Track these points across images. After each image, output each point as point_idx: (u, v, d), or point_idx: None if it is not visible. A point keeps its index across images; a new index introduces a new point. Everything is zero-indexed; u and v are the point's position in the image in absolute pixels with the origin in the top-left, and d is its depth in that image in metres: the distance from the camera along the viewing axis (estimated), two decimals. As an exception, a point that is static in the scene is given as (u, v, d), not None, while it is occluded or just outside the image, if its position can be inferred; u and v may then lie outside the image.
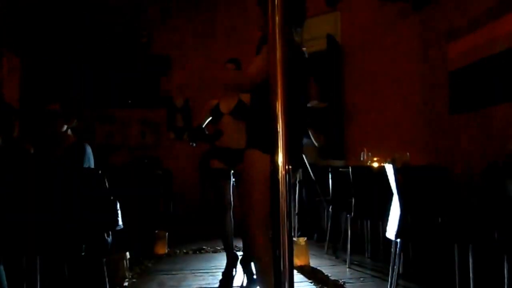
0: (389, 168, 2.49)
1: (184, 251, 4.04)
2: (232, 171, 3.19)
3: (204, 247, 4.15)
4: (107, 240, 2.41)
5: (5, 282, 1.96)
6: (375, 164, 3.58)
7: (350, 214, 3.44)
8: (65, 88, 5.03)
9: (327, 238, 4.00)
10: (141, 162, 4.89)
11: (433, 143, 4.24)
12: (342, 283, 2.90)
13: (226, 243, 3.21)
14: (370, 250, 3.75)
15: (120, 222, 2.50)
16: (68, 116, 2.49)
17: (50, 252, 2.27)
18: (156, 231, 3.94)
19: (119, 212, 2.52)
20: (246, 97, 3.21)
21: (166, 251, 3.92)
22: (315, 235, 4.57)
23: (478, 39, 3.74)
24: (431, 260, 2.98)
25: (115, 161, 4.90)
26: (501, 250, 2.24)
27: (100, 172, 2.51)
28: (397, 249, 2.40)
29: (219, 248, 4.09)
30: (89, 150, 2.53)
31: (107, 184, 2.54)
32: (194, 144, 3.40)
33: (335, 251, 3.87)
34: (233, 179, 3.21)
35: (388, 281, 2.60)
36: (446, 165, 3.90)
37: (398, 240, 2.37)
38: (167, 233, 3.95)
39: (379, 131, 4.65)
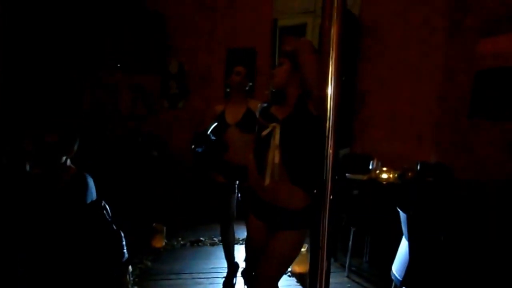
0: (402, 215, 2.60)
1: (182, 242, 4.24)
2: (237, 184, 3.27)
3: (201, 238, 4.35)
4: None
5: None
6: (384, 176, 3.68)
7: (353, 227, 3.61)
8: (50, 54, 4.79)
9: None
10: (135, 141, 4.86)
11: (446, 145, 4.30)
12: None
13: (228, 253, 3.39)
14: (368, 253, 3.99)
15: (126, 254, 2.62)
16: (67, 147, 2.46)
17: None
18: (154, 224, 4.09)
19: (124, 242, 2.62)
20: (254, 106, 3.17)
21: (164, 243, 4.11)
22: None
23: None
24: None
25: (108, 135, 4.89)
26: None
27: (103, 203, 2.56)
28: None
29: (216, 239, 4.31)
30: (91, 182, 2.54)
31: (110, 213, 2.61)
32: (200, 150, 3.42)
33: (334, 252, 4.11)
34: (238, 193, 3.30)
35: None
36: (457, 170, 3.99)
37: (404, 288, 2.56)
38: (165, 228, 4.11)
39: (391, 121, 4.67)
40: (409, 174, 3.70)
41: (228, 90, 3.26)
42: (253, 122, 3.14)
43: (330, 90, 0.97)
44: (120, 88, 5.37)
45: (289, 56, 2.01)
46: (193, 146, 3.38)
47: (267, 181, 2.03)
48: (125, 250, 2.61)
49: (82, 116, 5.02)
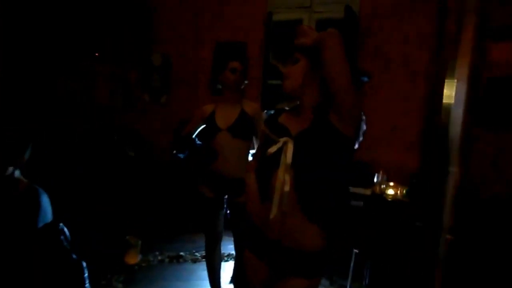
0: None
1: (159, 258, 3.73)
2: (226, 198, 2.78)
3: (182, 253, 3.85)
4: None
5: None
6: (390, 191, 3.25)
7: (356, 248, 3.18)
8: (25, 39, 4.20)
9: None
10: (110, 138, 4.28)
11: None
12: None
13: (212, 278, 2.91)
14: (368, 276, 3.58)
15: (88, 285, 2.11)
16: (15, 156, 1.93)
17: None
18: (127, 237, 3.56)
19: (86, 275, 2.11)
20: (250, 108, 2.69)
21: (138, 260, 3.59)
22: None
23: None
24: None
25: (77, 130, 4.32)
26: None
27: (60, 226, 2.05)
28: None
29: (198, 255, 3.82)
30: (45, 199, 2.02)
31: (68, 237, 2.10)
32: (182, 156, 2.91)
33: (331, 275, 3.67)
34: (226, 208, 2.82)
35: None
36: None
37: None
38: (140, 241, 3.59)
39: (382, 122, 4.24)
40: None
41: (219, 87, 2.75)
42: (247, 127, 2.67)
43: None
44: (97, 77, 4.77)
45: (307, 51, 1.52)
46: (174, 151, 2.87)
47: (274, 212, 1.52)
48: (87, 285, 2.11)
49: (53, 106, 4.42)
